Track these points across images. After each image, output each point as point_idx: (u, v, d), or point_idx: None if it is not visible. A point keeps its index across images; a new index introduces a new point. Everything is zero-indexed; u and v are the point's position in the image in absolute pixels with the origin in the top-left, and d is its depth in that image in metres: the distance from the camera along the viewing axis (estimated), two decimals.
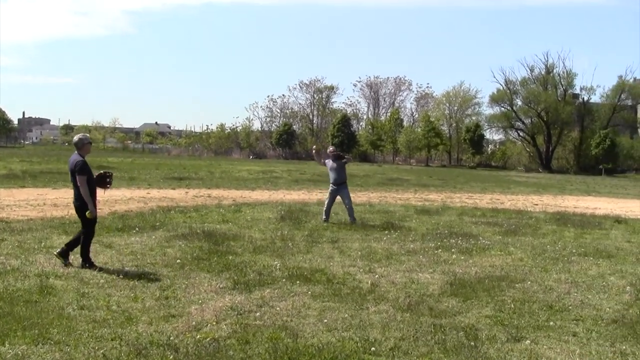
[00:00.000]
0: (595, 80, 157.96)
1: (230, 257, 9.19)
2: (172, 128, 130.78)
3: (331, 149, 14.59)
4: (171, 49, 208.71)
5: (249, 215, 14.63)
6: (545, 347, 5.66)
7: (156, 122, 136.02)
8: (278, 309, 6.58)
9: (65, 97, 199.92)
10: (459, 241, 11.41)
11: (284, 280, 7.86)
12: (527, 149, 78.01)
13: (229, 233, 11.52)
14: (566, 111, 72.22)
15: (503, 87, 77.04)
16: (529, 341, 5.78)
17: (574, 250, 10.90)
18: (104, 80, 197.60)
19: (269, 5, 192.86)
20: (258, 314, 6.36)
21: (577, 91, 76.21)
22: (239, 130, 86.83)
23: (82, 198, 8.12)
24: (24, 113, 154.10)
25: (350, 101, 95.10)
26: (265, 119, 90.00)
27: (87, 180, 8.14)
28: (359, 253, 10.05)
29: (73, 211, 8.89)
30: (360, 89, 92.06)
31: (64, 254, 8.33)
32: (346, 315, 6.41)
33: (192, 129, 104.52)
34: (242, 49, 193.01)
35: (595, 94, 76.67)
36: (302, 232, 12.09)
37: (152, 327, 5.81)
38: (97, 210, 8.48)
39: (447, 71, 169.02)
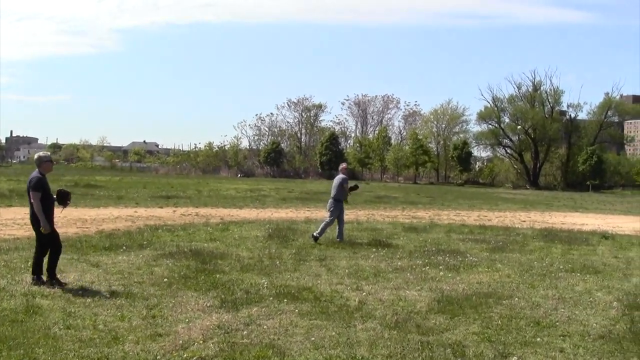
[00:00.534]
0: (582, 97, 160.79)
1: (217, 276, 9.15)
2: (160, 146, 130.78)
3: (344, 165, 14.68)
4: (160, 67, 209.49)
5: (236, 233, 14.59)
6: None
7: (144, 141, 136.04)
8: (265, 327, 6.55)
9: (53, 116, 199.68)
10: (447, 258, 11.43)
11: (271, 298, 7.84)
12: (515, 166, 78.50)
13: (217, 251, 11.48)
14: (553, 128, 72.93)
15: (491, 105, 77.69)
16: (516, 357, 5.79)
17: (561, 267, 10.96)
18: (92, 98, 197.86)
19: (257, 24, 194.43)
20: (245, 332, 6.33)
21: (564, 108, 77.18)
22: (227, 148, 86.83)
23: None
24: (11, 132, 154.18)
25: (339, 119, 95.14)
26: (254, 138, 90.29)
27: (44, 197, 8.23)
28: (347, 271, 10.04)
29: (60, 230, 8.85)
30: (348, 107, 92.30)
31: (52, 277, 8.28)
32: (333, 333, 6.39)
33: (180, 148, 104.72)
34: (231, 68, 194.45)
35: (582, 111, 77.71)
36: (289, 250, 12.07)
37: (138, 346, 5.77)
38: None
39: (435, 89, 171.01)
